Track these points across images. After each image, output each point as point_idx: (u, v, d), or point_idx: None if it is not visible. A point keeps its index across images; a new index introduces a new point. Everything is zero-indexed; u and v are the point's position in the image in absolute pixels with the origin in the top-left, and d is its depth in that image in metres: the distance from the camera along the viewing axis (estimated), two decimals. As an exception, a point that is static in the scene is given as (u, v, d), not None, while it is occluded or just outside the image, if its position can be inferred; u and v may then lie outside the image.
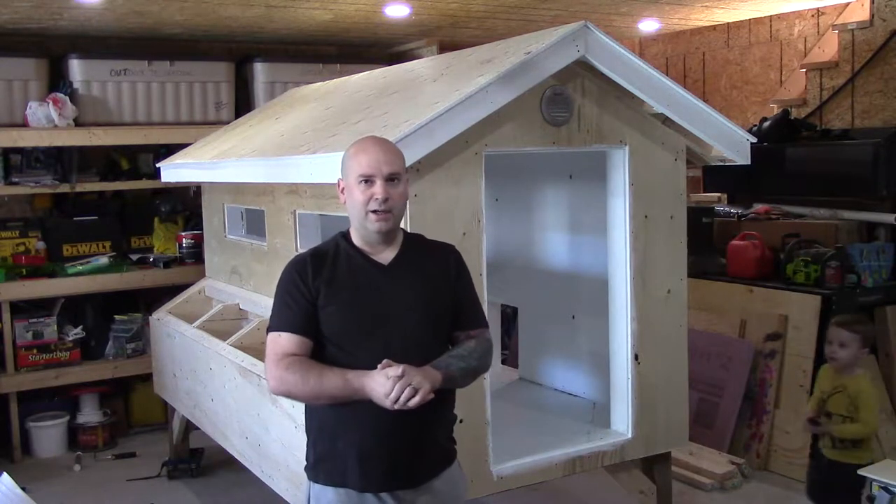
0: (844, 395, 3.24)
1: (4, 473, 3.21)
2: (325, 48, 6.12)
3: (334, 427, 2.16)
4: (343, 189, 2.21)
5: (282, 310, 2.19)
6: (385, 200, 2.12)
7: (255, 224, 4.15)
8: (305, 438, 2.28)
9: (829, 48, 5.52)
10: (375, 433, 2.11)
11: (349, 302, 2.15)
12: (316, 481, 2.22)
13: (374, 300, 2.15)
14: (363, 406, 2.06)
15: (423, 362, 2.08)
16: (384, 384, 1.98)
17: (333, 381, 2.06)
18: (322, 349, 2.16)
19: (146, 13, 4.67)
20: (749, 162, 3.26)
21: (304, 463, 2.26)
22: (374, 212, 2.13)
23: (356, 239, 2.22)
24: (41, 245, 5.12)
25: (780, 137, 5.05)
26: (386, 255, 2.21)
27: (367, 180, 2.13)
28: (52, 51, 5.21)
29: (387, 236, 2.19)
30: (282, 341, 2.14)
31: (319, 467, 2.21)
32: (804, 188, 4.96)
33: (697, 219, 4.79)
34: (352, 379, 2.04)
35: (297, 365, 2.09)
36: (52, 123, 4.89)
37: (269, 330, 2.20)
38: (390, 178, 2.14)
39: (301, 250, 3.47)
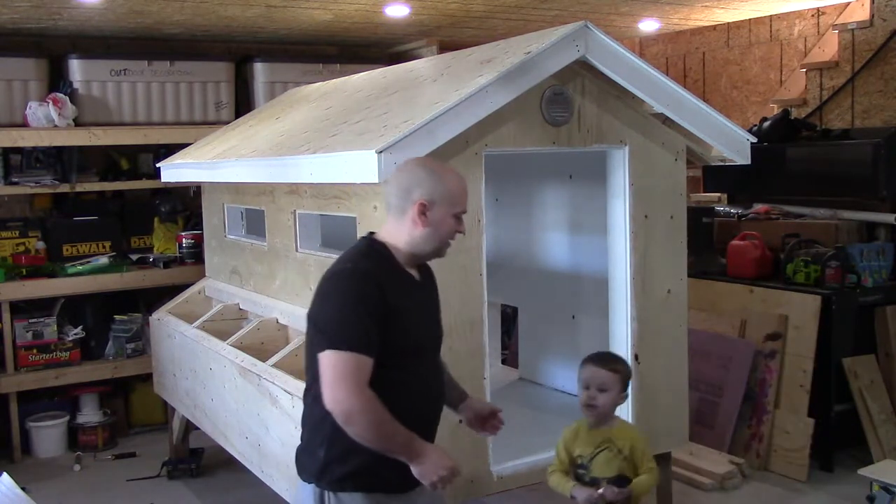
0: (613, 452, 2.66)
1: (4, 473, 3.22)
2: (325, 48, 6.12)
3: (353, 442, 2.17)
4: (425, 211, 2.21)
5: (356, 327, 2.09)
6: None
7: (255, 224, 4.15)
8: (312, 446, 2.24)
9: (829, 48, 5.52)
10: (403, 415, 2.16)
11: (407, 321, 2.20)
12: (344, 490, 2.20)
13: (422, 320, 2.28)
14: (400, 414, 2.12)
15: (440, 375, 2.35)
16: (435, 472, 2.11)
17: (401, 439, 2.10)
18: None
19: (146, 13, 4.67)
20: (749, 162, 3.26)
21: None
22: (452, 241, 2.30)
23: (401, 256, 2.26)
24: (41, 245, 5.12)
25: (780, 137, 5.05)
26: (413, 270, 2.32)
27: (461, 216, 2.28)
28: (52, 51, 5.21)
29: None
30: (361, 364, 2.08)
31: (356, 478, 2.19)
32: (804, 188, 4.96)
33: (697, 219, 4.79)
34: (416, 447, 2.11)
35: (378, 407, 2.06)
36: (52, 123, 4.89)
37: (336, 346, 2.08)
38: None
39: (301, 250, 3.48)
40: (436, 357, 2.36)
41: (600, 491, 2.58)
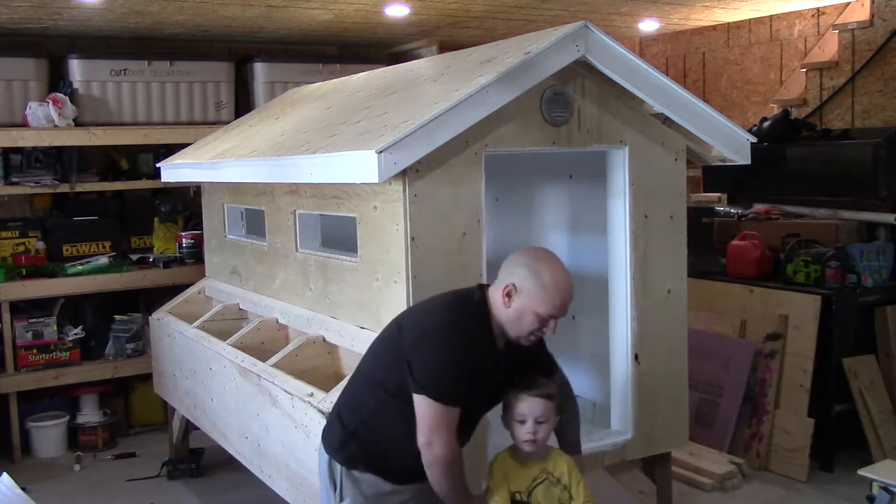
0: (552, 482, 2.49)
1: (4, 473, 3.22)
2: (325, 48, 6.12)
3: (391, 450, 2.32)
4: (511, 295, 2.27)
5: (454, 381, 2.22)
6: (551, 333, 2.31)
7: (255, 224, 4.15)
8: (342, 420, 2.38)
9: (829, 48, 5.52)
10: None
11: (477, 384, 2.27)
12: (356, 468, 2.34)
13: (490, 386, 2.35)
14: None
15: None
16: None
17: (462, 496, 2.28)
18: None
19: (146, 13, 4.67)
20: (749, 162, 3.26)
21: (305, 462, 2.29)
22: (535, 337, 2.31)
23: (495, 325, 2.31)
24: (41, 245, 5.12)
25: (780, 137, 5.05)
26: (501, 338, 2.36)
27: (548, 320, 2.27)
28: (52, 51, 5.21)
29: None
30: (452, 416, 2.22)
31: (364, 461, 2.33)
32: (804, 188, 4.96)
33: (697, 219, 4.79)
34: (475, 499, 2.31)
35: (459, 462, 2.26)
36: (52, 123, 4.89)
37: (440, 399, 2.21)
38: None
39: (301, 250, 3.47)
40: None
41: None
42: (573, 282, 2.33)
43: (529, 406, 2.40)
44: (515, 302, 2.25)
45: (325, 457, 2.40)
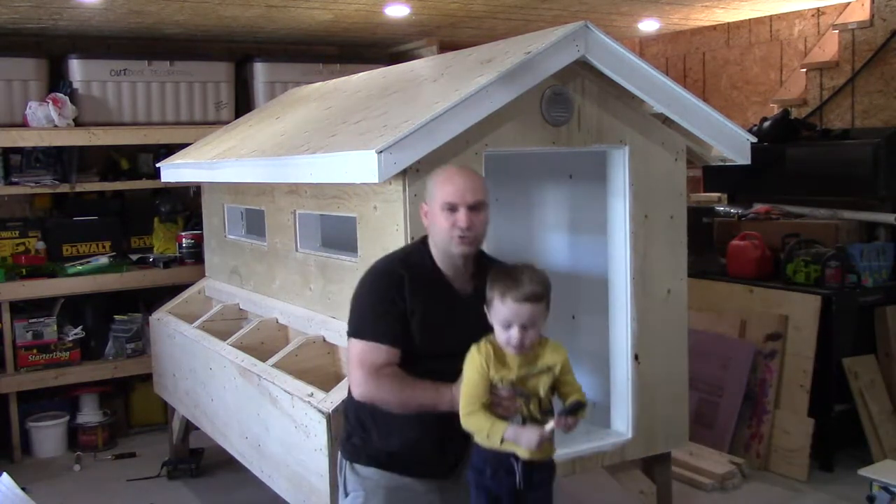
0: (543, 370, 2.21)
1: (4, 473, 3.22)
2: (325, 48, 6.12)
3: (390, 428, 2.29)
4: (426, 213, 2.31)
5: (376, 319, 2.24)
6: (468, 228, 2.23)
7: (255, 224, 4.15)
8: (343, 419, 2.40)
9: (829, 48, 5.52)
10: (433, 434, 2.27)
11: (427, 329, 2.25)
12: (358, 462, 2.35)
13: (450, 330, 2.26)
14: (421, 418, 2.24)
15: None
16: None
17: (426, 393, 2.19)
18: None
19: (146, 13, 4.67)
20: (749, 162, 3.26)
21: (305, 462, 2.29)
22: (459, 237, 2.24)
23: (438, 260, 2.31)
24: (41, 245, 5.12)
25: (780, 137, 5.05)
26: (465, 284, 2.33)
27: (452, 208, 2.23)
28: (52, 51, 5.21)
29: (468, 258, 2.30)
30: (378, 353, 2.22)
31: (373, 457, 2.33)
32: (804, 188, 4.96)
33: (697, 219, 4.79)
34: (444, 391, 2.18)
35: (391, 376, 2.20)
36: (52, 123, 4.89)
37: (357, 335, 2.25)
38: (473, 207, 2.24)
39: (301, 250, 3.47)
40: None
41: (550, 426, 2.09)
42: (477, 175, 2.35)
43: (514, 311, 2.14)
44: (428, 212, 2.30)
45: (340, 462, 2.43)
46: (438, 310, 2.27)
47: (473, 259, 2.32)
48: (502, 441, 2.11)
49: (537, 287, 2.16)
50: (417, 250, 2.35)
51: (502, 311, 2.15)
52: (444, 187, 2.26)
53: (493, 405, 2.13)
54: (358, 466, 2.35)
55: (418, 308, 2.24)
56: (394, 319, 2.22)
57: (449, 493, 2.35)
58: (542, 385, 2.18)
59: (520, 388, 2.15)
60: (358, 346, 2.23)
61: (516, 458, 2.15)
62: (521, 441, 2.10)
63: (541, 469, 2.21)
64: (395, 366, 2.22)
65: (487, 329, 2.20)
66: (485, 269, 2.29)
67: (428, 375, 2.21)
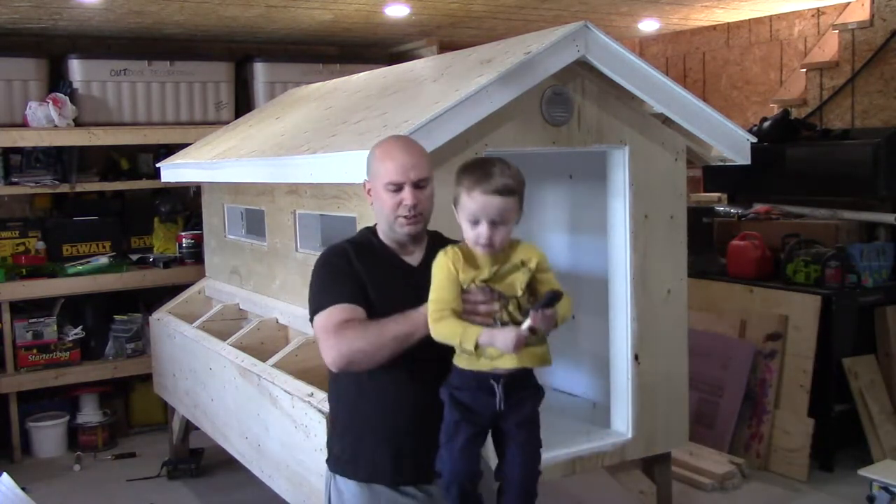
0: (518, 266, 2.01)
1: (4, 473, 3.21)
2: (325, 48, 6.12)
3: (363, 424, 2.18)
4: (370, 191, 2.20)
5: (328, 288, 2.13)
6: (414, 206, 2.12)
7: (254, 224, 4.15)
8: (327, 430, 2.32)
9: (829, 48, 5.52)
10: (407, 428, 2.14)
11: (380, 299, 2.12)
12: (342, 475, 2.22)
13: (403, 301, 2.11)
14: (395, 403, 2.12)
15: (441, 364, 2.04)
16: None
17: (397, 325, 2.02)
18: None
19: (146, 13, 4.67)
20: (749, 162, 3.26)
21: (305, 462, 2.27)
22: (405, 217, 2.13)
23: (384, 238, 2.22)
24: (41, 245, 5.12)
25: (780, 137, 5.05)
26: (415, 256, 2.23)
27: (396, 188, 2.12)
28: (52, 51, 5.21)
29: (416, 237, 2.21)
30: (335, 312, 2.08)
31: (345, 464, 2.21)
32: (804, 188, 4.96)
33: (697, 219, 4.79)
34: (413, 315, 2.01)
35: (354, 325, 2.05)
36: (52, 123, 4.89)
37: (314, 312, 2.13)
38: (418, 185, 2.13)
39: (301, 250, 3.48)
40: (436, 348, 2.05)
41: (527, 324, 1.87)
42: (418, 147, 2.20)
43: (482, 205, 1.96)
44: (373, 191, 2.18)
45: (327, 476, 2.30)
46: (388, 281, 2.15)
47: (422, 237, 2.23)
48: (477, 347, 1.90)
49: (508, 180, 1.98)
50: (362, 234, 2.29)
51: (469, 205, 1.97)
52: (385, 164, 2.13)
53: (468, 313, 1.94)
54: (339, 481, 2.22)
55: (367, 279, 2.13)
56: (350, 281, 2.11)
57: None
58: (519, 283, 1.98)
59: (495, 290, 1.96)
60: (318, 319, 2.11)
61: (497, 378, 1.98)
62: (496, 343, 1.89)
63: (523, 386, 2.03)
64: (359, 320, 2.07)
65: None
66: (435, 241, 2.23)
67: (399, 364, 2.08)
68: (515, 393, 2.01)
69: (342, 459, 2.22)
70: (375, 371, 2.09)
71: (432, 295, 1.97)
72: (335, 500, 2.23)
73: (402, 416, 2.15)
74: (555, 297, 1.88)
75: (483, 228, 1.96)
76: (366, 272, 2.14)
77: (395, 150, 2.16)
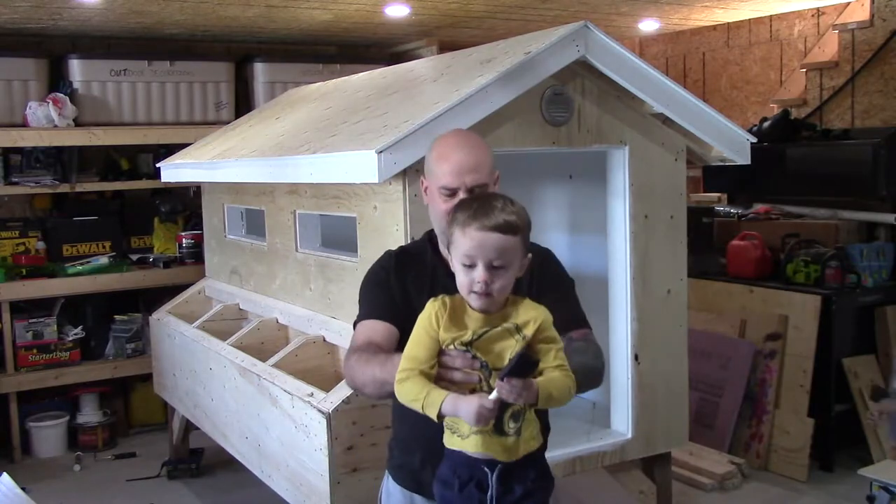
0: (510, 332, 1.71)
1: (4, 473, 3.21)
2: (325, 48, 6.12)
3: (407, 435, 2.11)
4: (426, 189, 2.05)
5: (361, 301, 2.04)
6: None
7: (255, 224, 4.15)
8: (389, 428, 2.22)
9: (829, 48, 5.52)
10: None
11: (419, 311, 1.97)
12: (392, 478, 2.16)
13: None
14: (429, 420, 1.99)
15: None
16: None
17: (382, 367, 1.82)
18: None
19: (146, 13, 4.67)
20: (749, 162, 3.26)
21: (305, 462, 2.26)
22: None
23: (441, 243, 2.08)
24: (41, 245, 5.12)
25: (780, 137, 5.05)
26: None
27: (451, 193, 1.96)
28: (52, 51, 5.21)
29: None
30: (362, 330, 1.95)
31: (396, 469, 2.14)
32: (804, 188, 4.96)
33: (697, 219, 4.79)
34: (396, 359, 1.82)
35: (359, 351, 1.89)
36: (52, 123, 4.89)
37: (354, 325, 2.03)
38: (474, 190, 1.94)
39: (301, 250, 3.48)
40: None
41: (494, 396, 1.59)
42: (480, 146, 2.02)
43: (478, 242, 1.68)
44: (427, 189, 2.03)
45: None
46: (428, 292, 1.95)
47: None
48: (440, 416, 1.63)
49: (511, 216, 1.71)
50: (420, 239, 2.16)
51: (463, 243, 1.68)
52: (441, 165, 1.98)
53: (440, 378, 1.66)
54: (390, 485, 2.15)
55: (405, 291, 2.00)
56: (381, 294, 1.99)
57: None
58: (509, 353, 1.66)
59: (477, 357, 1.65)
60: (358, 329, 2.01)
61: (490, 465, 1.70)
62: (460, 411, 1.61)
63: (523, 478, 1.72)
64: (377, 343, 1.90)
65: None
66: None
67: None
68: (515, 485, 1.71)
69: (393, 463, 2.17)
70: None
71: (406, 349, 1.72)
72: (384, 499, 2.20)
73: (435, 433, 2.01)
74: (525, 364, 1.58)
75: (479, 272, 1.67)
76: (405, 283, 2.02)
77: (452, 148, 1.99)
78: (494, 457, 1.69)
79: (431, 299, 1.77)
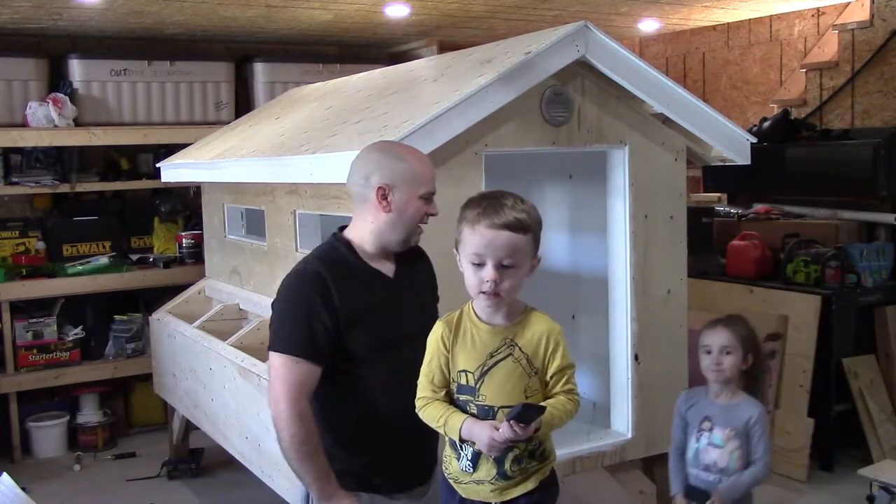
0: (515, 359, 1.78)
1: (4, 473, 3.21)
2: (325, 48, 6.12)
3: (336, 435, 2.13)
4: (387, 196, 2.07)
5: (300, 330, 2.02)
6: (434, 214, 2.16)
7: (255, 224, 4.15)
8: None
9: (829, 48, 5.52)
10: (397, 438, 2.10)
11: (370, 321, 2.06)
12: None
13: (384, 316, 2.08)
14: (370, 410, 2.07)
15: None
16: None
17: (315, 469, 2.03)
18: (333, 367, 2.07)
19: (146, 13, 4.67)
20: (749, 162, 3.26)
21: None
22: (422, 224, 2.14)
23: (367, 245, 2.13)
24: (41, 245, 5.12)
25: (780, 137, 5.05)
26: (387, 266, 2.17)
27: (430, 197, 2.13)
28: (52, 51, 5.21)
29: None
30: (301, 370, 2.00)
31: (341, 476, 2.11)
32: (804, 188, 4.96)
33: (697, 219, 4.79)
34: (327, 488, 2.03)
35: (306, 425, 2.01)
36: (52, 123, 4.89)
37: (278, 349, 2.03)
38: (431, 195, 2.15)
39: (301, 250, 3.48)
40: (417, 356, 1.95)
41: (503, 428, 1.68)
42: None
43: (487, 240, 1.66)
44: (395, 198, 2.07)
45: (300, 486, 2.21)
46: (368, 298, 2.07)
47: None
48: (461, 440, 1.74)
49: (521, 214, 1.69)
50: (331, 248, 2.15)
51: (472, 241, 1.67)
52: (424, 174, 2.11)
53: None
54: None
55: (346, 303, 2.03)
56: (320, 331, 2.01)
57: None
58: (511, 378, 1.71)
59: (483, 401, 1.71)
60: (278, 360, 2.03)
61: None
62: (474, 436, 1.71)
63: (526, 492, 1.79)
64: (311, 395, 2.03)
65: (426, 310, 2.09)
66: (410, 252, 2.20)
67: (379, 371, 2.06)
68: (522, 498, 1.79)
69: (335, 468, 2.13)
70: (346, 378, 2.05)
71: (422, 372, 1.83)
72: None
73: (379, 422, 2.08)
74: (529, 411, 1.64)
75: (488, 271, 1.67)
76: (344, 296, 2.04)
77: (424, 159, 2.17)
78: (486, 500, 1.80)
79: (439, 320, 1.84)
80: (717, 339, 2.50)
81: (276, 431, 2.06)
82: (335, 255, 2.13)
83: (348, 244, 2.15)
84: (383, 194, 2.08)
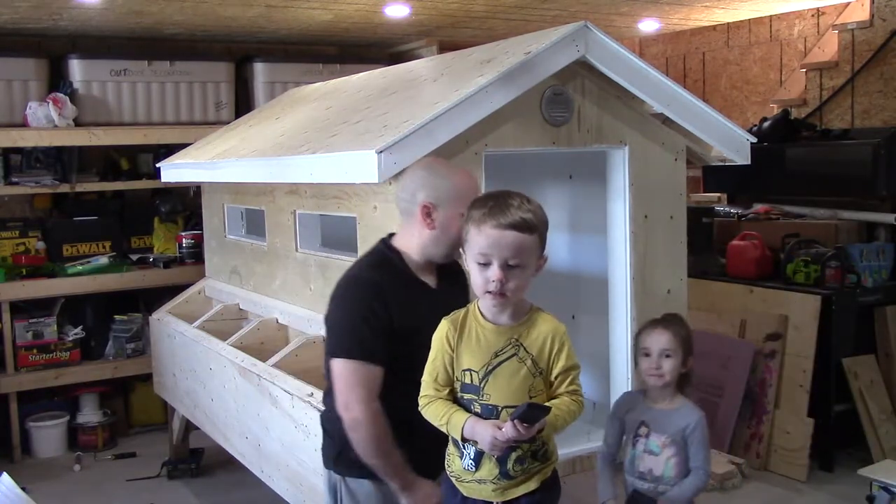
0: (520, 359, 1.81)
1: (4, 473, 3.21)
2: (325, 48, 6.12)
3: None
4: (431, 213, 2.14)
5: (361, 334, 2.09)
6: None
7: (255, 224, 4.15)
8: (331, 434, 2.28)
9: (829, 48, 5.52)
10: (413, 427, 2.11)
11: (406, 326, 2.12)
12: (352, 476, 2.22)
13: (427, 326, 2.09)
14: (401, 408, 2.08)
15: None
16: None
17: (395, 461, 2.08)
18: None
19: (146, 13, 4.67)
20: (749, 162, 3.26)
21: (305, 462, 2.26)
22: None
23: (411, 255, 2.21)
24: (41, 245, 5.12)
25: (780, 137, 5.05)
26: (430, 277, 2.25)
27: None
28: (52, 51, 5.21)
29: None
30: (369, 374, 2.07)
31: (358, 465, 2.17)
32: (804, 188, 4.96)
33: (697, 219, 4.79)
34: (409, 477, 2.09)
35: (381, 422, 2.07)
36: (52, 123, 4.89)
37: (343, 355, 2.09)
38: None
39: (301, 250, 3.48)
40: None
41: (507, 426, 1.70)
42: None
43: (494, 240, 1.68)
44: (438, 216, 2.15)
45: (326, 473, 2.33)
46: (414, 306, 2.15)
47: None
48: (464, 440, 1.77)
49: (528, 214, 1.71)
50: (382, 256, 2.24)
51: (478, 241, 1.68)
52: (468, 193, 2.14)
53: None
54: (350, 481, 2.24)
55: (396, 310, 2.12)
56: (382, 336, 2.09)
57: None
58: (515, 378, 1.73)
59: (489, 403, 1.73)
60: (344, 367, 2.10)
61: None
62: (477, 435, 1.74)
63: (527, 493, 1.81)
64: (379, 395, 2.09)
65: None
66: (450, 266, 2.26)
67: (410, 376, 2.11)
68: (523, 498, 1.82)
69: (349, 459, 2.18)
70: (398, 398, 2.10)
71: (426, 370, 1.88)
72: (347, 502, 2.23)
73: (407, 417, 2.11)
74: (534, 410, 1.66)
75: (494, 271, 1.69)
76: (397, 305, 2.13)
77: (470, 178, 2.21)
78: (488, 500, 1.83)
79: (443, 319, 1.87)
80: (656, 341, 2.33)
81: (351, 434, 2.10)
82: (387, 264, 2.22)
83: (398, 253, 2.23)
84: (427, 212, 2.16)
